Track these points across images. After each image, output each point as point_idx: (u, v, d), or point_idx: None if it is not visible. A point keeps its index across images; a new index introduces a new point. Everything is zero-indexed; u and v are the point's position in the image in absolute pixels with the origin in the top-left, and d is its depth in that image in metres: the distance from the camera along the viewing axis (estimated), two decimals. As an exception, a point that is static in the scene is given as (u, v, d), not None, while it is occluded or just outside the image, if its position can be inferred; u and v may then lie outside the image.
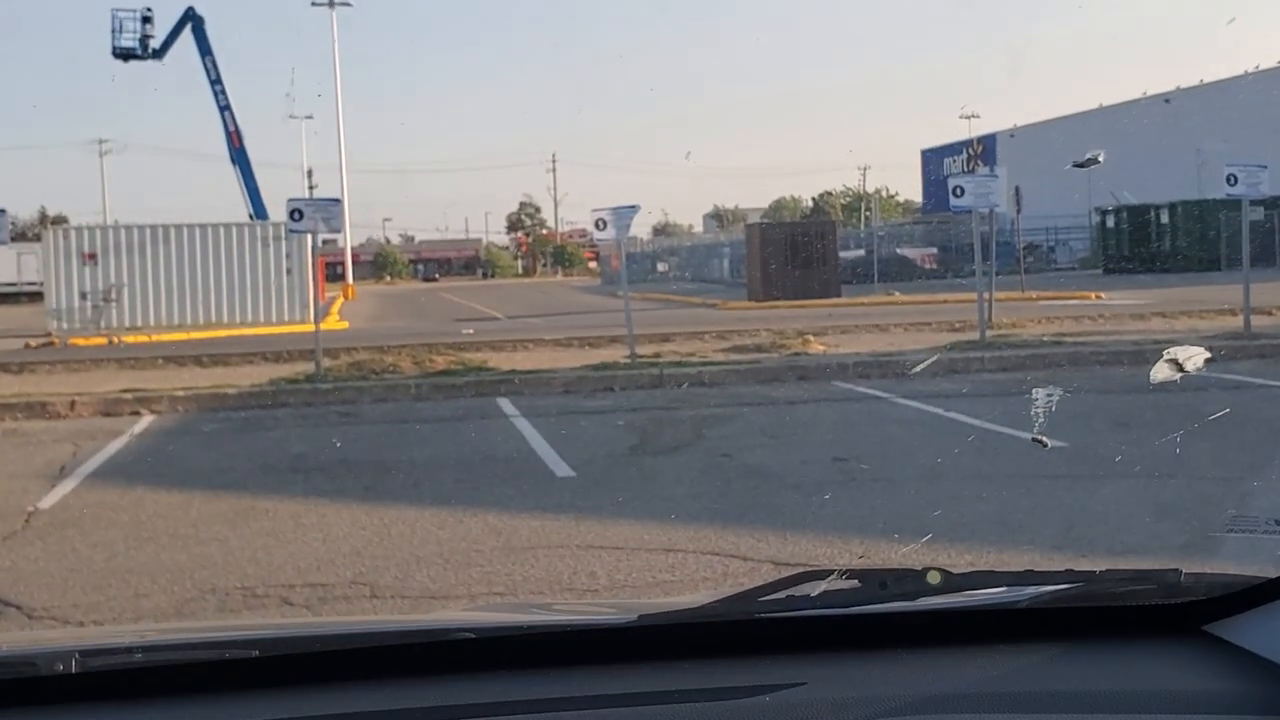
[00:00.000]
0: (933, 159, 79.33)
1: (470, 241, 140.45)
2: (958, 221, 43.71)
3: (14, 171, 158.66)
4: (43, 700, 1.56)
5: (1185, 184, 47.39)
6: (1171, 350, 2.72)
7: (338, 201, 17.23)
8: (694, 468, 9.78)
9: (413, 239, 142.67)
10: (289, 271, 31.90)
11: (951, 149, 75.82)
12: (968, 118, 79.45)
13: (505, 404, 14.03)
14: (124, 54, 44.91)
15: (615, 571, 6.69)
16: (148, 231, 32.22)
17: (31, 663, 1.62)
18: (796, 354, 17.86)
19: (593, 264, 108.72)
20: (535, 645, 1.73)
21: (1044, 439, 9.03)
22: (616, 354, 18.13)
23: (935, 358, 16.24)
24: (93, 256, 31.19)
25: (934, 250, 50.00)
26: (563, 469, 9.82)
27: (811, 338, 19.67)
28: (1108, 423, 11.35)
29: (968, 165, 65.42)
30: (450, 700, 1.58)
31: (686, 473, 9.56)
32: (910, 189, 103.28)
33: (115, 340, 27.54)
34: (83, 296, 30.82)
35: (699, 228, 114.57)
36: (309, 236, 19.27)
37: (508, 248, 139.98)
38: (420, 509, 8.36)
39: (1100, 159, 13.87)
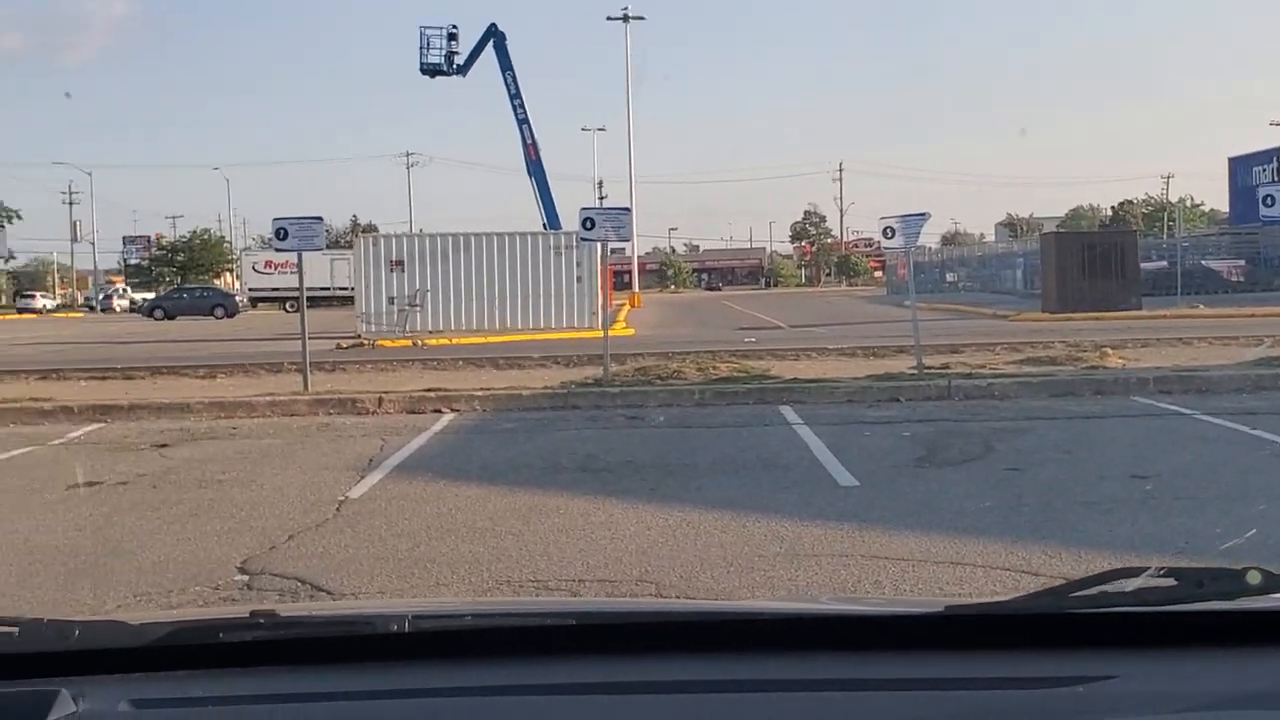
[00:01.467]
0: (1240, 167, 75.11)
1: (754, 251, 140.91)
2: (1267, 232, 41.31)
3: (330, 183, 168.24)
4: (379, 658, 1.68)
5: None
6: None
7: (627, 210, 17.55)
8: (983, 481, 9.56)
9: (697, 248, 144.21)
10: (579, 279, 32.78)
11: (1261, 157, 71.60)
12: (1278, 124, 75.07)
13: (788, 411, 14.04)
14: (431, 70, 47.04)
15: (900, 582, 6.61)
16: (449, 240, 33.64)
17: (369, 622, 1.76)
18: (1093, 367, 17.24)
19: (878, 274, 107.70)
20: (846, 629, 1.77)
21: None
22: (902, 364, 17.90)
23: (1268, 343, 15.20)
24: (400, 263, 32.75)
25: (1241, 262, 47.44)
26: (846, 478, 9.76)
27: (1109, 351, 18.98)
28: None
29: (1279, 174, 61.68)
30: (767, 675, 1.62)
31: (975, 486, 9.35)
32: (1216, 198, 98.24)
33: (418, 343, 28.89)
34: (390, 301, 32.41)
35: (990, 237, 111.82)
36: (599, 245, 19.74)
37: (791, 257, 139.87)
38: (704, 512, 8.46)
39: None
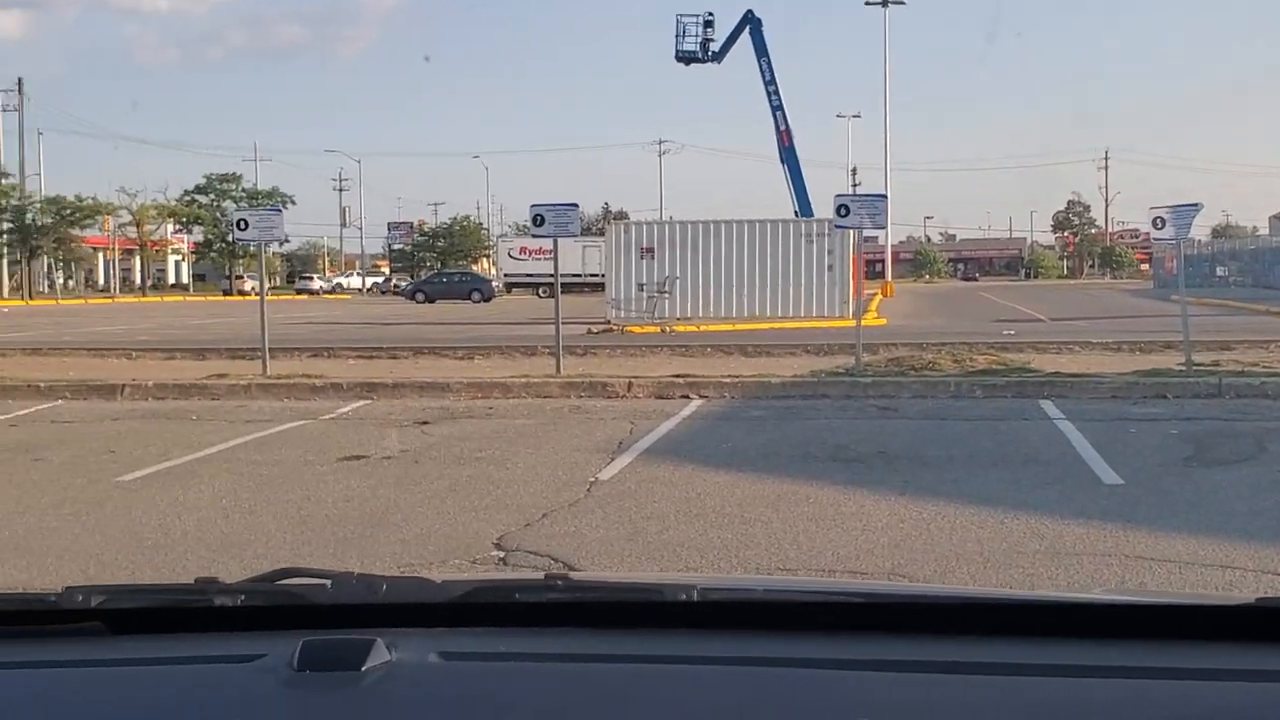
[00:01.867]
0: None
1: (1013, 241, 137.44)
2: None
3: (583, 170, 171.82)
4: (668, 625, 1.70)
5: None
6: None
7: (884, 197, 17.31)
8: (1255, 483, 9.06)
9: (953, 237, 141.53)
10: (830, 268, 32.50)
11: None
12: None
13: (1048, 406, 13.60)
14: (686, 58, 47.38)
15: (1166, 584, 6.37)
16: (699, 227, 33.80)
17: (659, 591, 1.79)
18: (1379, 368, 16.18)
19: (1144, 266, 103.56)
20: (1147, 618, 1.71)
21: None
22: (1169, 361, 17.16)
23: None
24: (650, 250, 33.09)
25: None
26: (1110, 476, 9.39)
27: (1398, 350, 17.77)
28: None
29: None
30: (1072, 661, 1.58)
31: (1246, 488, 8.88)
32: None
33: (667, 329, 29.13)
34: (639, 287, 32.78)
35: (1264, 230, 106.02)
36: (852, 233, 19.53)
37: (1052, 247, 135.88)
38: (959, 506, 8.26)
39: None
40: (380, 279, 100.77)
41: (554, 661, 1.58)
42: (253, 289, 79.94)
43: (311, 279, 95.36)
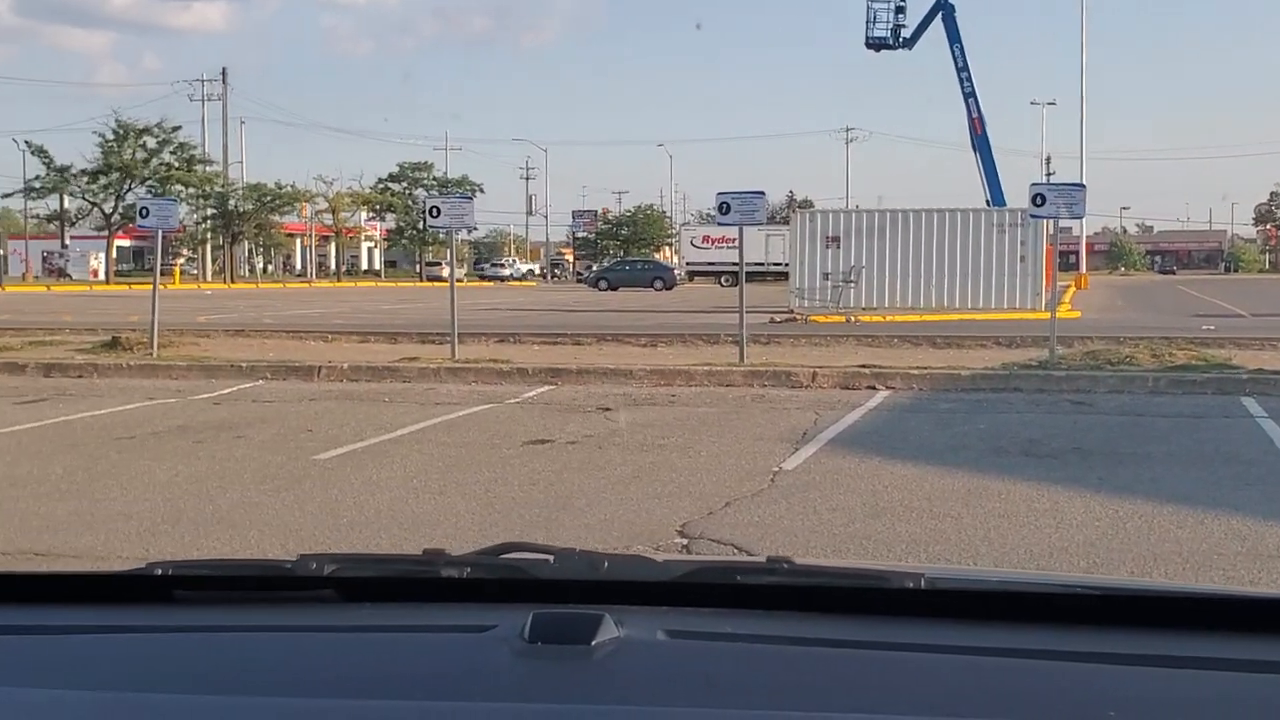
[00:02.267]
0: None
1: (1213, 233, 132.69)
2: None
3: (767, 159, 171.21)
4: (891, 613, 1.69)
5: None
6: None
7: (1082, 187, 16.75)
8: None
9: (1150, 229, 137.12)
10: (1022, 259, 31.75)
11: None
12: None
13: (1250, 404, 13.08)
14: (876, 44, 46.67)
15: (1379, 593, 6.04)
16: (886, 216, 33.38)
17: (884, 579, 1.78)
18: None
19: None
20: None
21: None
22: (1383, 358, 16.36)
23: None
24: (835, 239, 32.76)
25: None
26: (1315, 476, 8.99)
27: None
28: None
29: None
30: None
31: None
32: None
33: (852, 319, 28.81)
34: (824, 277, 32.48)
35: None
36: (1045, 223, 19.03)
37: (1254, 241, 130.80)
38: (1157, 505, 7.98)
39: None
40: (535, 266, 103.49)
41: (781, 644, 1.57)
42: (447, 275, 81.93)
43: (502, 266, 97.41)
